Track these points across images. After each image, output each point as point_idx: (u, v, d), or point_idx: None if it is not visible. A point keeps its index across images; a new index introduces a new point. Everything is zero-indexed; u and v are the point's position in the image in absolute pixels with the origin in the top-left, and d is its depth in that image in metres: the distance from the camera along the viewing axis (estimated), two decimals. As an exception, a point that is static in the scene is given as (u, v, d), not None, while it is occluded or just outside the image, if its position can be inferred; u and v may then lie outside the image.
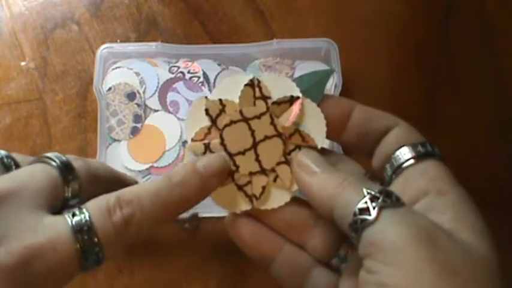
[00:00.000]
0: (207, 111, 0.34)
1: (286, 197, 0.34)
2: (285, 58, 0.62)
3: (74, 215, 0.29)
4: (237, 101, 0.34)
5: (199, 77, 0.61)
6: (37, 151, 0.59)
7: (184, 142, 0.58)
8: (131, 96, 0.59)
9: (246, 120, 0.34)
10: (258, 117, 0.34)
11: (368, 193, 0.28)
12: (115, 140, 0.58)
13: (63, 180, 0.32)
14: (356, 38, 0.65)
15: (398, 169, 0.31)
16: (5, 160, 0.33)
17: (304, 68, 0.61)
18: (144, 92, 0.60)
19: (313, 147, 0.33)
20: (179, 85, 0.60)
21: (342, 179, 0.30)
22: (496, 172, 0.60)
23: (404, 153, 0.31)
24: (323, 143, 0.34)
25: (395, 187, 0.31)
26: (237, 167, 0.34)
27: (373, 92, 0.62)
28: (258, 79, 0.34)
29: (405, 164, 0.31)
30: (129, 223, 0.30)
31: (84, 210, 0.29)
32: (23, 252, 0.27)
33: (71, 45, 0.64)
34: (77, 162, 0.33)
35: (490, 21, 0.67)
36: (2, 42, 0.64)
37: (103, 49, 0.60)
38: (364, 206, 0.28)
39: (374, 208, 0.28)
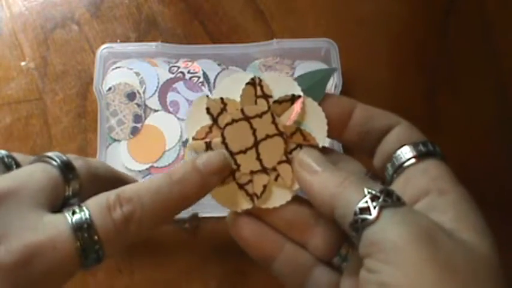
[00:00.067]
0: (208, 109, 0.34)
1: (287, 196, 0.34)
2: (285, 58, 0.62)
3: (73, 213, 0.29)
4: (238, 99, 0.34)
5: (199, 77, 0.61)
6: (37, 151, 0.59)
7: (185, 142, 0.58)
8: (131, 96, 0.59)
9: (247, 119, 0.34)
10: (260, 116, 0.34)
11: (369, 192, 0.28)
12: (115, 140, 0.58)
13: (64, 179, 0.32)
14: (356, 38, 0.66)
15: (400, 168, 0.31)
16: (6, 159, 0.33)
17: (304, 68, 0.61)
18: (144, 92, 0.60)
19: (315, 146, 0.33)
20: (179, 85, 0.60)
21: (343, 178, 0.30)
22: (496, 172, 0.60)
23: (406, 153, 0.31)
24: (324, 142, 0.33)
25: (397, 186, 0.31)
26: (238, 165, 0.34)
27: (373, 92, 0.62)
28: (259, 78, 0.34)
29: (406, 163, 0.31)
30: (129, 220, 0.30)
31: (84, 208, 0.29)
32: (23, 251, 0.27)
33: (71, 45, 0.64)
34: (78, 161, 0.33)
35: (490, 21, 0.67)
36: (2, 42, 0.64)
37: (103, 49, 0.60)
38: (365, 205, 0.28)
39: (375, 207, 0.28)
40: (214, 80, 0.61)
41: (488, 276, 0.27)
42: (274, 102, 0.34)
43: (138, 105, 0.59)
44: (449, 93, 0.64)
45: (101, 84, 0.59)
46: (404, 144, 0.32)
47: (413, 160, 0.31)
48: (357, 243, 0.29)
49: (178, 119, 0.59)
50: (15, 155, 0.34)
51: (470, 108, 0.63)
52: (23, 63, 0.63)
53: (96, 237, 0.29)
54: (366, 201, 0.28)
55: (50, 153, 0.32)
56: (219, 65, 0.61)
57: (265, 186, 0.33)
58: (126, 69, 0.61)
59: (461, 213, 0.29)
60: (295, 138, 0.34)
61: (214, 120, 0.34)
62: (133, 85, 0.60)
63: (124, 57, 0.61)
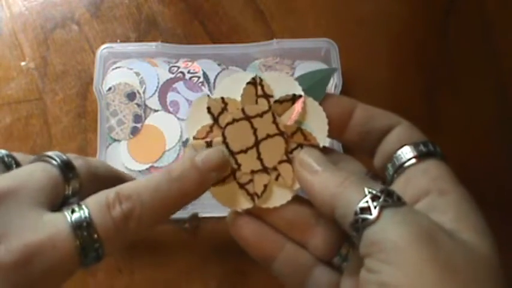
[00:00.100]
0: (209, 109, 0.34)
1: (287, 196, 0.34)
2: (285, 58, 0.62)
3: (73, 211, 0.29)
4: (239, 99, 0.34)
5: (199, 77, 0.61)
6: (37, 151, 0.59)
7: (185, 142, 0.58)
8: (131, 96, 0.59)
9: (248, 118, 0.34)
10: (260, 115, 0.34)
11: (369, 192, 0.28)
12: (115, 140, 0.58)
13: (64, 178, 0.32)
14: (356, 38, 0.66)
15: (400, 168, 0.31)
16: (6, 159, 0.33)
17: (304, 68, 0.61)
18: (144, 92, 0.60)
19: (315, 146, 0.33)
20: (179, 85, 0.60)
21: (344, 178, 0.30)
22: (496, 172, 0.60)
23: (406, 153, 0.31)
24: (325, 141, 0.33)
25: (397, 186, 0.31)
26: (239, 165, 0.34)
27: (373, 92, 0.62)
28: (260, 77, 0.34)
29: (407, 164, 0.31)
30: (128, 218, 0.30)
31: (83, 206, 0.29)
32: (23, 250, 0.27)
33: (71, 45, 0.64)
34: (77, 160, 0.33)
35: (490, 21, 0.67)
36: (2, 42, 0.64)
37: (103, 49, 0.60)
38: (365, 205, 0.28)
39: (375, 207, 0.28)
40: (214, 80, 0.61)
41: (489, 277, 0.27)
42: (275, 101, 0.34)
43: (138, 105, 0.59)
44: (449, 93, 0.64)
45: (101, 84, 0.59)
46: (404, 144, 0.32)
47: (413, 160, 0.31)
48: (358, 243, 0.29)
49: (178, 119, 0.59)
50: (15, 154, 0.34)
51: (470, 108, 0.63)
52: (23, 63, 0.63)
53: (95, 236, 0.29)
54: (367, 201, 0.28)
55: (49, 153, 0.32)
56: (219, 65, 0.61)
57: (265, 186, 0.33)
58: (126, 69, 0.61)
59: (462, 214, 0.29)
60: (296, 137, 0.34)
61: (215, 119, 0.34)
62: (133, 85, 0.60)
63: (124, 57, 0.61)
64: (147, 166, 0.57)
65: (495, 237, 0.28)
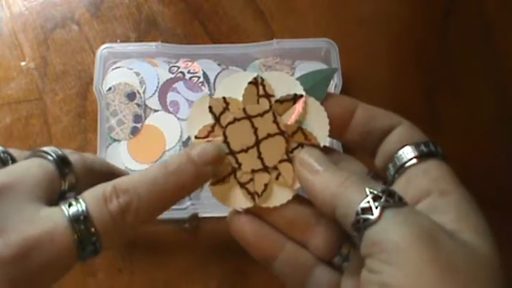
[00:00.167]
0: (210, 108, 0.34)
1: (288, 195, 0.34)
2: (285, 58, 0.62)
3: (70, 205, 0.29)
4: (240, 99, 0.34)
5: (199, 77, 0.61)
6: (37, 151, 0.59)
7: (185, 142, 0.58)
8: (131, 96, 0.59)
9: (249, 118, 0.34)
10: (261, 115, 0.34)
11: (370, 192, 0.28)
12: (115, 140, 0.58)
13: (60, 173, 0.32)
14: (356, 38, 0.66)
15: (401, 168, 0.31)
16: (2, 155, 0.33)
17: (304, 68, 0.61)
18: (144, 92, 0.60)
19: (316, 146, 0.33)
20: (179, 85, 0.60)
21: (345, 178, 0.30)
22: (496, 172, 0.60)
23: (407, 153, 0.31)
24: (326, 141, 0.34)
25: (398, 187, 0.31)
26: (240, 164, 0.34)
27: (373, 92, 0.62)
28: (261, 77, 0.34)
29: (408, 164, 0.31)
30: (125, 211, 0.30)
31: (80, 200, 0.29)
32: (21, 244, 0.27)
33: (71, 45, 0.64)
34: (73, 156, 0.33)
35: (490, 21, 0.67)
36: (2, 42, 0.64)
37: (103, 49, 0.60)
38: (367, 205, 0.28)
39: (376, 208, 0.28)
40: (214, 80, 0.61)
41: (489, 277, 0.27)
42: (276, 101, 0.34)
43: (138, 105, 0.59)
44: (449, 93, 0.64)
45: (101, 84, 0.59)
46: (406, 145, 0.32)
47: (414, 160, 0.31)
48: (359, 243, 0.29)
49: (178, 119, 0.59)
50: (12, 150, 0.34)
51: (470, 108, 0.63)
52: (23, 63, 0.63)
53: (93, 229, 0.29)
54: (368, 201, 0.28)
55: (45, 148, 0.32)
56: (219, 65, 0.61)
57: (266, 185, 0.33)
58: (126, 69, 0.61)
59: (462, 214, 0.29)
60: (297, 137, 0.34)
61: (217, 119, 0.34)
62: (133, 85, 0.60)
63: (124, 57, 0.61)
64: (147, 166, 0.57)
65: (495, 237, 0.28)
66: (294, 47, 0.62)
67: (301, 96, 0.34)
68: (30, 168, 0.31)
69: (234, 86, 0.34)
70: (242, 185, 0.34)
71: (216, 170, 0.33)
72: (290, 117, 0.34)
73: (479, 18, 0.67)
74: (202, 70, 0.61)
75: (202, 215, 0.55)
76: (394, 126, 0.33)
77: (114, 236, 0.30)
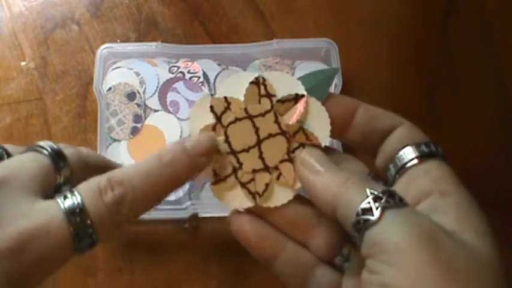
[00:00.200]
0: (212, 108, 0.34)
1: (289, 195, 0.34)
2: (285, 58, 0.62)
3: (65, 198, 0.29)
4: (242, 98, 0.34)
5: (199, 77, 0.61)
6: (37, 151, 0.59)
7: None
8: (131, 96, 0.59)
9: (250, 117, 0.34)
10: (263, 114, 0.34)
11: (371, 193, 0.28)
12: (115, 140, 0.58)
13: (55, 167, 0.32)
14: (356, 38, 0.66)
15: (402, 169, 0.31)
16: None
17: (304, 68, 0.61)
18: (144, 92, 0.60)
19: (317, 146, 0.33)
20: (179, 85, 0.60)
21: (346, 178, 0.30)
22: (496, 172, 0.60)
23: (408, 153, 0.31)
24: (327, 141, 0.33)
25: (399, 187, 0.31)
26: (241, 164, 0.34)
27: (373, 92, 0.62)
28: (263, 77, 0.34)
29: (409, 164, 0.31)
30: (121, 203, 0.30)
31: (75, 192, 0.29)
32: (17, 238, 0.27)
33: (71, 45, 0.64)
34: (68, 149, 0.34)
35: (490, 21, 0.67)
36: (2, 42, 0.64)
37: (103, 49, 0.60)
38: (367, 206, 0.28)
39: (377, 208, 0.28)
40: (214, 80, 0.61)
41: (490, 278, 0.27)
42: (278, 101, 0.34)
43: (138, 105, 0.59)
44: (449, 93, 0.64)
45: (101, 84, 0.59)
46: (406, 145, 0.32)
47: (415, 161, 0.31)
48: (359, 244, 0.29)
49: (178, 119, 0.59)
50: (7, 146, 0.34)
51: (470, 108, 0.63)
52: (23, 63, 0.63)
53: (88, 221, 0.29)
54: (369, 202, 0.28)
55: (40, 143, 0.33)
56: (219, 65, 0.61)
57: (267, 185, 0.33)
58: (126, 69, 0.61)
59: (463, 215, 0.29)
60: (298, 137, 0.34)
61: (218, 119, 0.34)
62: (133, 85, 0.60)
63: (124, 57, 0.61)
64: (147, 166, 0.57)
65: (496, 237, 0.28)
66: (294, 47, 0.62)
67: (303, 96, 0.34)
68: (25, 163, 0.31)
69: (235, 85, 0.34)
70: (243, 185, 0.34)
71: (209, 161, 0.33)
72: (291, 117, 0.34)
73: (479, 18, 0.67)
74: (202, 70, 0.61)
75: (202, 215, 0.55)
76: (395, 127, 0.33)
77: (110, 228, 0.30)
